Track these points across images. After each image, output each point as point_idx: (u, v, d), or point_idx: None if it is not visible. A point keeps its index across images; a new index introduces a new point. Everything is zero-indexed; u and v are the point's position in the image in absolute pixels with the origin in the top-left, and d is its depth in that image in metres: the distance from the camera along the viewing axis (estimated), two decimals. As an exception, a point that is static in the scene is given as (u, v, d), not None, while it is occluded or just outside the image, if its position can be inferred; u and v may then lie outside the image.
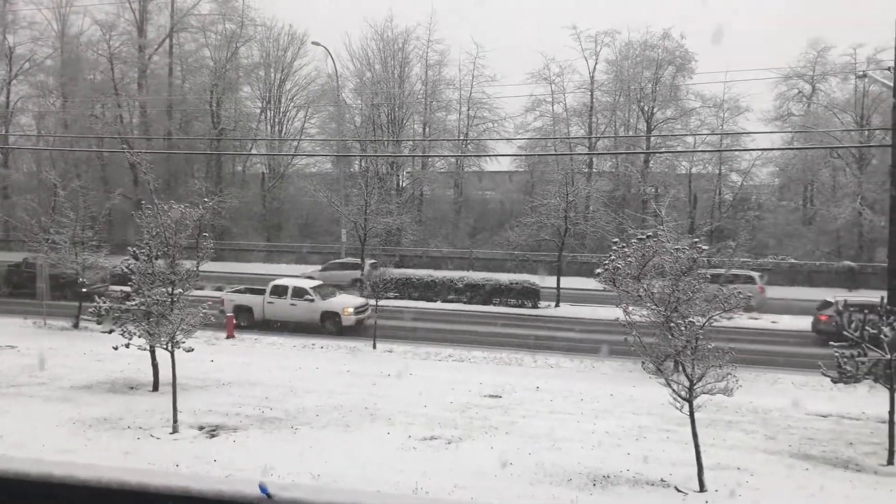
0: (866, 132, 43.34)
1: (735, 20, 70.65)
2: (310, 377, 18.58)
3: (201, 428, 13.87)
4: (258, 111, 57.33)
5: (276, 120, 57.65)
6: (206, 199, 15.14)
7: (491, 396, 17.05)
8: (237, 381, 17.85)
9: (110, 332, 16.82)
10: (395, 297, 30.76)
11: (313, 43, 45.56)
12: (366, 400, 16.10)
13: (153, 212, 14.10)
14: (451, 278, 33.33)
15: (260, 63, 56.32)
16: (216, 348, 22.32)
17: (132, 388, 17.20)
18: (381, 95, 51.65)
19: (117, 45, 53.58)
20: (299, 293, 25.69)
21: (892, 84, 20.68)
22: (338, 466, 11.68)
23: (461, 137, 53.16)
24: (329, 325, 25.37)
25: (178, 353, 14.48)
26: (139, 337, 15.19)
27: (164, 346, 14.24)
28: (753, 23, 67.68)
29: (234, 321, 25.03)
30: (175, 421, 13.63)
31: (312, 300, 25.44)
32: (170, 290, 14.26)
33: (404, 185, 54.54)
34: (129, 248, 15.41)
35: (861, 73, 35.07)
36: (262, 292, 26.39)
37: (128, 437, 13.26)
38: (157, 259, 14.39)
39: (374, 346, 22.73)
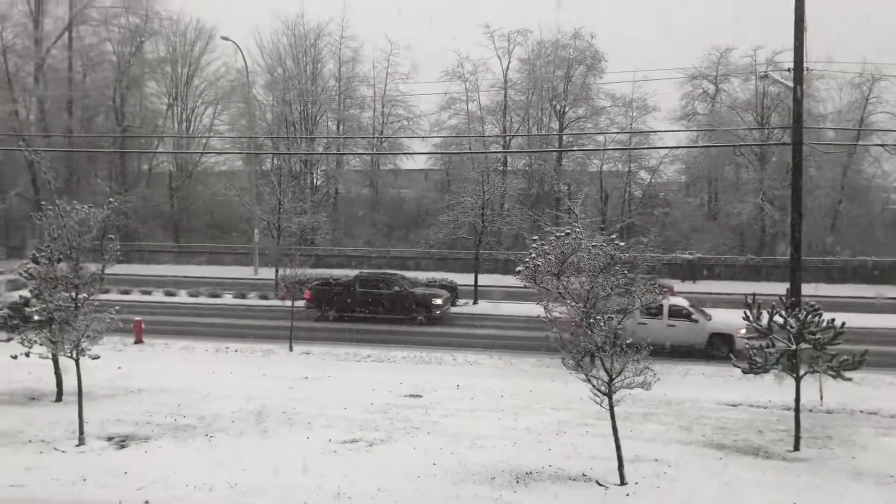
0: (767, 131, 45.31)
1: (642, 21, 72.70)
2: (225, 382, 18.02)
3: (110, 439, 13.22)
4: (165, 108, 55.48)
5: (184, 117, 55.91)
6: (110, 200, 14.43)
7: (412, 396, 16.93)
8: (148, 389, 17.14)
9: (8, 340, 15.90)
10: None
11: (222, 38, 44.43)
12: (284, 404, 15.70)
13: (54, 213, 13.32)
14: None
15: (166, 58, 54.54)
16: (124, 355, 21.42)
17: (33, 398, 16.28)
18: (293, 92, 50.81)
19: (11, 36, 50.77)
20: (679, 313, 22.65)
21: (791, 84, 21.57)
22: (256, 474, 11.32)
23: (376, 135, 52.82)
24: (719, 350, 22.18)
25: (84, 360, 13.76)
26: (40, 345, 14.38)
27: (68, 354, 13.50)
28: (660, 24, 69.83)
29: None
30: (81, 432, 12.95)
31: (697, 321, 22.64)
32: (73, 294, 13.52)
33: (319, 183, 53.87)
34: (29, 251, 14.60)
35: (763, 73, 36.63)
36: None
37: (29, 451, 12.50)
38: (59, 262, 13.63)
39: (291, 349, 22.27)
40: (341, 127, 53.85)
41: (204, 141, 55.91)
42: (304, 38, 52.01)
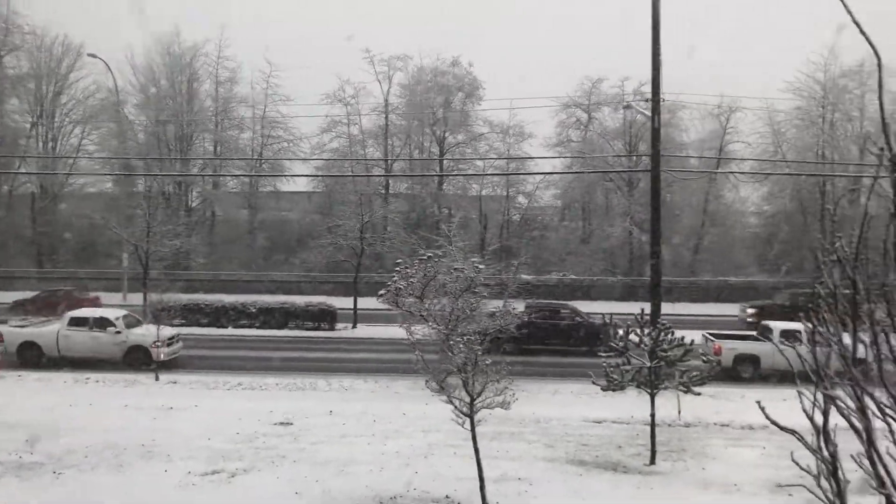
0: (634, 158, 47.50)
1: (519, 51, 74.82)
2: (81, 415, 17.04)
3: (-57, 481, 12.24)
4: (28, 126, 52.50)
5: (50, 136, 53.10)
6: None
7: (281, 424, 16.56)
8: (-8, 424, 16.00)
9: None
10: (182, 325, 29.20)
11: (89, 55, 42.60)
12: (143, 436, 15.00)
13: None
14: (243, 303, 32.19)
15: (29, 74, 51.68)
16: (-30, 388, 19.94)
17: None
18: (167, 112, 49.26)
19: None
20: (792, 335, 19.69)
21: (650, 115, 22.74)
22: (106, 511, 10.76)
23: (255, 157, 51.86)
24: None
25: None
26: None
27: None
28: (536, 54, 72.11)
29: None
30: None
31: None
32: None
33: (194, 205, 52.26)
34: None
35: (626, 104, 38.42)
36: None
37: None
38: None
39: (157, 378, 21.36)
40: (219, 148, 52.56)
41: (71, 161, 53.23)
42: (180, 58, 50.66)
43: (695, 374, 13.63)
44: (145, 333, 23.30)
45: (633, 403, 18.04)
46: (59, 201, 51.62)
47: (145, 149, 49.64)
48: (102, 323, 23.41)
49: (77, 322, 23.48)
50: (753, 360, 22.53)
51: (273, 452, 14.11)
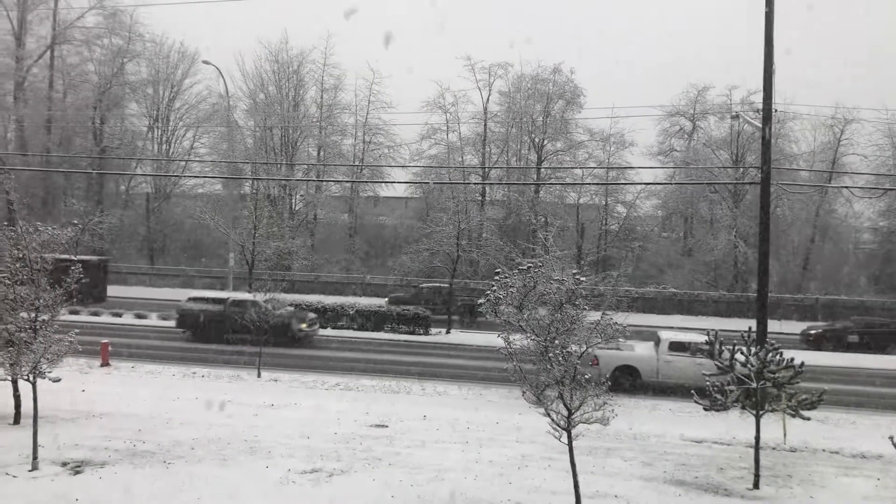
0: (741, 169, 45.92)
1: (622, 58, 73.73)
2: (189, 408, 17.79)
3: (65, 464, 12.98)
4: (145, 129, 55.43)
5: (164, 139, 55.91)
6: (75, 221, 14.32)
7: (377, 426, 16.80)
8: (109, 413, 16.90)
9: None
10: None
11: (203, 62, 44.57)
12: (246, 432, 15.53)
13: (17, 233, 13.19)
14: (342, 304, 32.90)
15: (148, 80, 54.66)
16: (90, 377, 21.13)
17: (-10, 421, 15.99)
18: (274, 117, 50.96)
19: (-8, 54, 50.70)
20: None
21: (760, 125, 21.91)
22: (210, 502, 11.16)
23: (356, 163, 53.00)
24: None
25: (47, 383, 13.57)
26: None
27: (25, 377, 13.31)
28: (640, 61, 70.82)
29: None
30: (35, 457, 12.70)
31: None
32: (34, 316, 13.36)
33: (297, 208, 53.85)
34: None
35: (734, 113, 37.19)
36: None
37: (-20, 476, 12.25)
38: (20, 284, 13.45)
39: (259, 375, 22.08)
40: (322, 153, 53.99)
41: (183, 163, 55.86)
42: (288, 65, 52.42)
43: (804, 397, 13.01)
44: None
45: (734, 424, 17.50)
46: (171, 202, 54.20)
47: (253, 153, 51.55)
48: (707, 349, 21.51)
49: (678, 347, 22.07)
50: None
51: (369, 454, 14.32)
